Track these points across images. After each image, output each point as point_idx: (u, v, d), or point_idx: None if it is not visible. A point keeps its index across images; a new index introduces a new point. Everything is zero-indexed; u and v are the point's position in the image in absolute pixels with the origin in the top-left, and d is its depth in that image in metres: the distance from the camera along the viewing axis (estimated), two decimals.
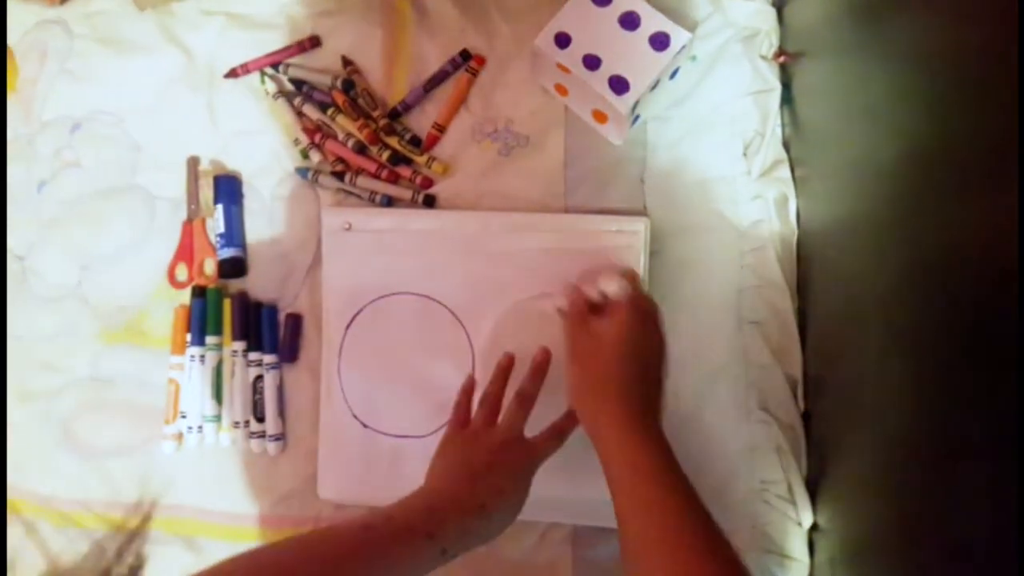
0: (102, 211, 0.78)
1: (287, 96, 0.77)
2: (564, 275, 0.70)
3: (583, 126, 0.74)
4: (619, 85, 0.67)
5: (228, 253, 0.75)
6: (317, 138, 0.75)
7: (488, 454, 0.59)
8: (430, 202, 0.74)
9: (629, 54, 0.67)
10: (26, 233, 0.80)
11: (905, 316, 0.48)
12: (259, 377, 0.74)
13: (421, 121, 0.76)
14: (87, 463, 0.77)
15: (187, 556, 0.74)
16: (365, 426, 0.72)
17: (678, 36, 0.67)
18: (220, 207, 0.75)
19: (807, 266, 0.69)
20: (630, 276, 0.64)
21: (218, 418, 0.75)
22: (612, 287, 0.63)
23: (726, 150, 0.72)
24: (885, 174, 0.51)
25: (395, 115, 0.75)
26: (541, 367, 0.64)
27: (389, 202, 0.74)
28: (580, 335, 0.62)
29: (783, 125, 0.72)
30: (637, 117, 0.71)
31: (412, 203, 0.74)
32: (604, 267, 0.66)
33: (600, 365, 0.59)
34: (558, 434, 0.62)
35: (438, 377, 0.71)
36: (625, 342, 0.59)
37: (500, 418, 0.62)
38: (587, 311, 0.64)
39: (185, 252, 0.77)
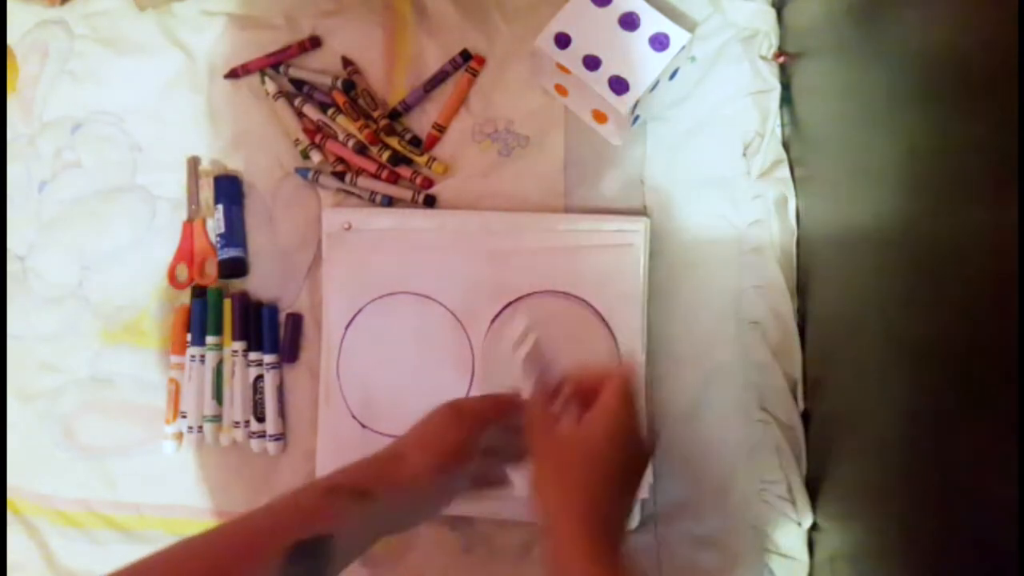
0: (103, 211, 0.78)
1: (287, 96, 0.77)
2: (564, 275, 0.70)
3: (583, 126, 0.74)
4: (619, 85, 0.67)
5: (229, 253, 0.75)
6: (317, 138, 0.75)
7: None
8: (430, 202, 0.74)
9: (629, 54, 0.67)
10: (27, 233, 0.80)
11: (904, 317, 0.48)
12: (259, 377, 0.74)
13: (421, 121, 0.76)
14: (87, 463, 0.77)
15: None
16: (364, 426, 0.72)
17: (678, 36, 0.67)
18: (220, 207, 0.75)
19: (807, 266, 0.69)
20: (620, 371, 0.55)
21: (218, 418, 0.75)
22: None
23: (726, 150, 0.72)
24: (885, 175, 0.51)
25: (395, 115, 0.75)
26: None
27: (389, 202, 0.74)
28: (544, 438, 0.53)
29: (783, 125, 0.72)
30: (637, 117, 0.71)
31: (412, 203, 0.74)
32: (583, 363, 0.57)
33: (570, 478, 0.51)
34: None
35: (437, 377, 0.71)
36: (601, 454, 0.51)
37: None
38: (551, 409, 0.54)
39: (185, 252, 0.77)
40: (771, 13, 0.71)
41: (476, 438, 0.57)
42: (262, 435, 0.74)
